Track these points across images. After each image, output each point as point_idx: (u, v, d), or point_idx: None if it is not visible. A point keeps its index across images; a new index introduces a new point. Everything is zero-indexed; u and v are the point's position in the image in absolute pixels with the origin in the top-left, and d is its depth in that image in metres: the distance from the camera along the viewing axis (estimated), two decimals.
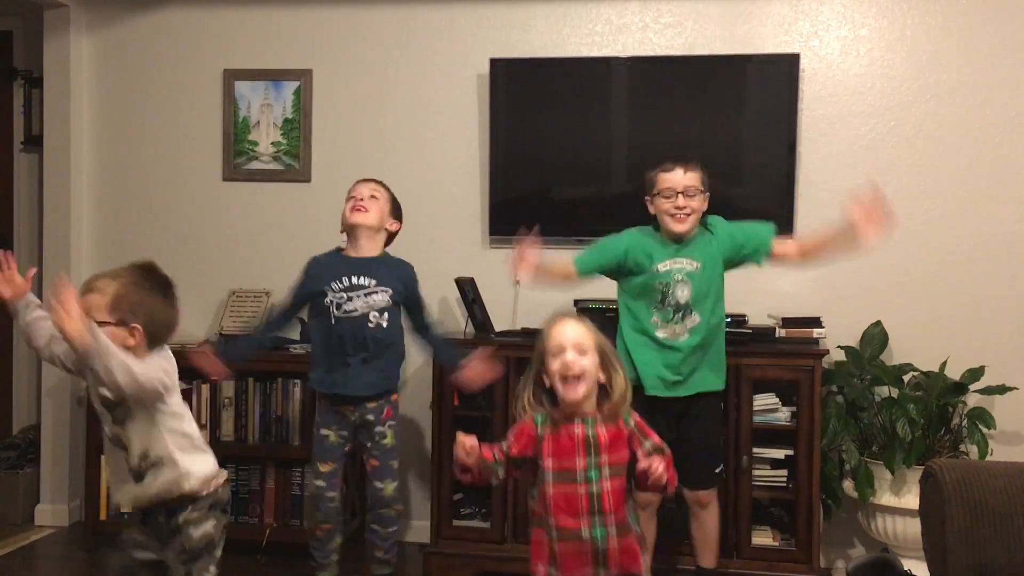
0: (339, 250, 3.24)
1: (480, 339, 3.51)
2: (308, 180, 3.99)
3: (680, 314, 2.94)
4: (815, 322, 3.44)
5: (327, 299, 3.11)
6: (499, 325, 3.68)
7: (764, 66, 3.66)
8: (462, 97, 3.87)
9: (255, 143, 4.02)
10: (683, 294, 2.93)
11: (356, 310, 3.10)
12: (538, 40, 3.82)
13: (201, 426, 3.74)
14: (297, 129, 3.99)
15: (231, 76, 4.02)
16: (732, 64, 3.68)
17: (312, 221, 3.95)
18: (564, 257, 3.16)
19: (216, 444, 3.71)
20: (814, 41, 3.67)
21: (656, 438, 2.20)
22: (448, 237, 3.85)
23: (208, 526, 2.32)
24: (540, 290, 3.77)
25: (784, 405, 3.32)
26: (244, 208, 4.05)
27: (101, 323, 2.14)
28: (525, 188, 3.82)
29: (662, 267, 2.96)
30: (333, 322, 3.11)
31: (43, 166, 4.13)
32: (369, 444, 3.17)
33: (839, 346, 3.49)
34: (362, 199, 3.16)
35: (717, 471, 3.07)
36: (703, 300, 2.94)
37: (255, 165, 4.03)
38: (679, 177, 2.92)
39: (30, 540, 3.87)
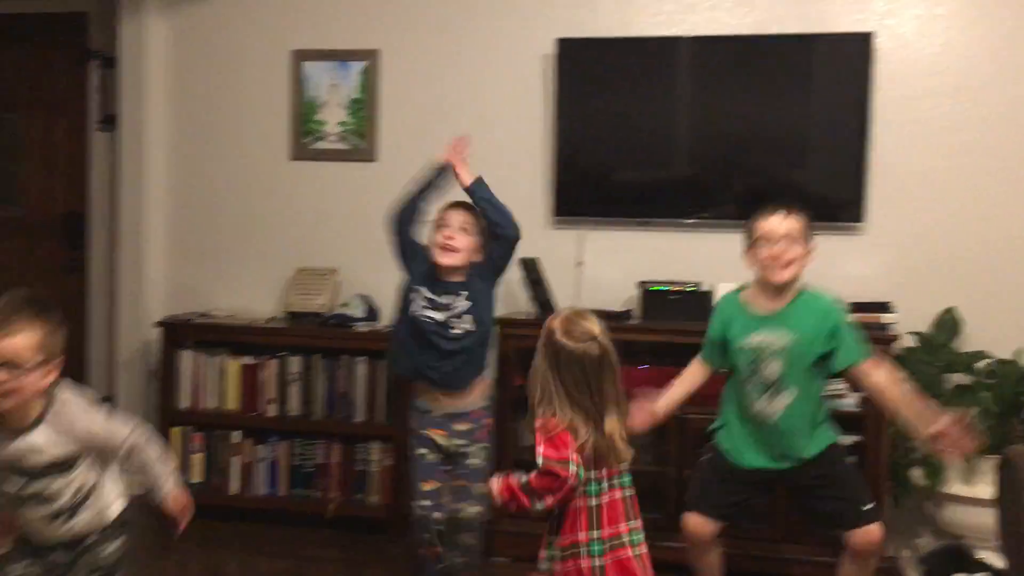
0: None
1: (543, 319, 3.51)
2: (374, 159, 4.03)
3: (771, 390, 2.68)
4: (884, 307, 3.38)
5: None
6: (563, 306, 3.68)
7: (835, 45, 3.58)
8: (528, 77, 3.87)
9: (322, 123, 4.07)
10: (772, 371, 2.67)
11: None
12: (605, 20, 3.79)
13: (269, 401, 3.83)
14: (364, 109, 4.02)
15: (299, 57, 4.06)
16: (801, 43, 3.61)
17: (378, 200, 3.92)
18: (688, 372, 2.86)
19: (283, 419, 3.80)
20: (889, 20, 3.58)
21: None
22: None
23: (118, 542, 2.28)
24: (602, 271, 3.78)
25: (852, 391, 3.26)
26: (311, 187, 4.10)
27: (31, 367, 2.01)
28: (590, 169, 3.80)
29: (752, 341, 2.70)
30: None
31: (117, 146, 4.23)
32: (455, 465, 3.04)
33: (910, 332, 3.43)
34: (452, 237, 2.95)
35: (867, 508, 2.69)
36: (795, 376, 2.66)
37: (322, 145, 4.07)
38: (777, 223, 2.67)
39: None
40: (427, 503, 2.98)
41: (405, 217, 3.05)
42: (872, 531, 2.66)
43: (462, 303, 2.98)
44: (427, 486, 2.99)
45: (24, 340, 2.00)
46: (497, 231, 2.96)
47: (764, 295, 2.72)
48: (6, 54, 4.59)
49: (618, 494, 2.17)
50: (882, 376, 2.67)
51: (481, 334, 3.02)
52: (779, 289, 2.69)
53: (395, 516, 3.68)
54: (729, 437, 2.78)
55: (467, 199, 3.02)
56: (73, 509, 2.18)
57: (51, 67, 4.54)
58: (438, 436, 3.02)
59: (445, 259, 2.96)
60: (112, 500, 2.28)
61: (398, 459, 3.68)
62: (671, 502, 3.32)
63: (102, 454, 2.21)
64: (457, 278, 3.00)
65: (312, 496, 3.79)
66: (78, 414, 2.14)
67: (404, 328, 3.05)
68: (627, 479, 2.20)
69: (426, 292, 2.99)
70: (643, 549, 2.19)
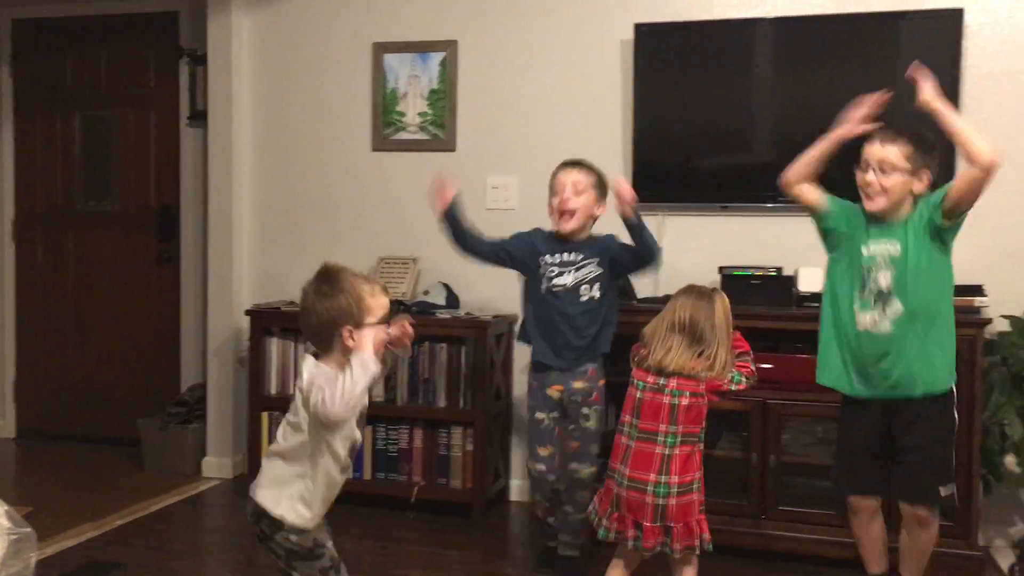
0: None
1: (623, 305, 3.52)
2: (453, 149, 4.08)
3: (881, 302, 2.64)
4: (977, 290, 3.28)
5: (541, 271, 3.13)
6: (642, 292, 3.68)
7: (923, 22, 3.49)
8: (606, 63, 3.87)
9: (402, 114, 4.14)
10: (884, 280, 2.64)
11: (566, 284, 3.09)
12: (683, 3, 3.77)
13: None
14: (443, 99, 4.07)
15: (380, 49, 4.14)
16: (887, 21, 3.53)
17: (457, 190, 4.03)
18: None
19: (369, 404, 3.87)
20: None
21: None
22: None
23: None
24: (683, 256, 3.76)
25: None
26: (392, 177, 4.17)
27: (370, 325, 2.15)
28: (668, 154, 3.78)
29: (866, 250, 2.68)
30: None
31: (206, 140, 4.37)
32: (572, 426, 3.14)
33: (1003, 315, 3.33)
34: (567, 198, 3.04)
35: (944, 493, 2.68)
36: (906, 287, 2.62)
37: (403, 135, 4.14)
38: (875, 149, 2.62)
39: (199, 490, 4.15)
40: (542, 467, 3.15)
41: (467, 244, 3.16)
42: (929, 516, 2.68)
43: (593, 268, 3.08)
44: (543, 451, 3.15)
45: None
46: (642, 254, 3.04)
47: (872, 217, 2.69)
48: (101, 53, 4.78)
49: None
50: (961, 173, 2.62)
51: (608, 303, 3.12)
52: (883, 215, 2.64)
53: (477, 499, 3.74)
54: (830, 369, 2.74)
55: (574, 157, 3.16)
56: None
57: (144, 65, 4.72)
58: (555, 392, 3.12)
59: (564, 225, 3.06)
60: None
61: (479, 443, 3.73)
62: (753, 488, 3.30)
63: None
64: (583, 238, 3.10)
65: (397, 480, 3.87)
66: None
67: (533, 314, 3.15)
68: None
69: (551, 259, 3.09)
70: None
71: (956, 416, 2.71)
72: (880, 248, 2.65)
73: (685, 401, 2.61)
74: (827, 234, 2.79)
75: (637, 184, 3.76)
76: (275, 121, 4.33)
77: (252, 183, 4.36)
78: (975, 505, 3.13)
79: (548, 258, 3.11)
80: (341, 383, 2.05)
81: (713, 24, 3.71)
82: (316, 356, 2.20)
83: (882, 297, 2.63)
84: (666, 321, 2.68)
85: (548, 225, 3.18)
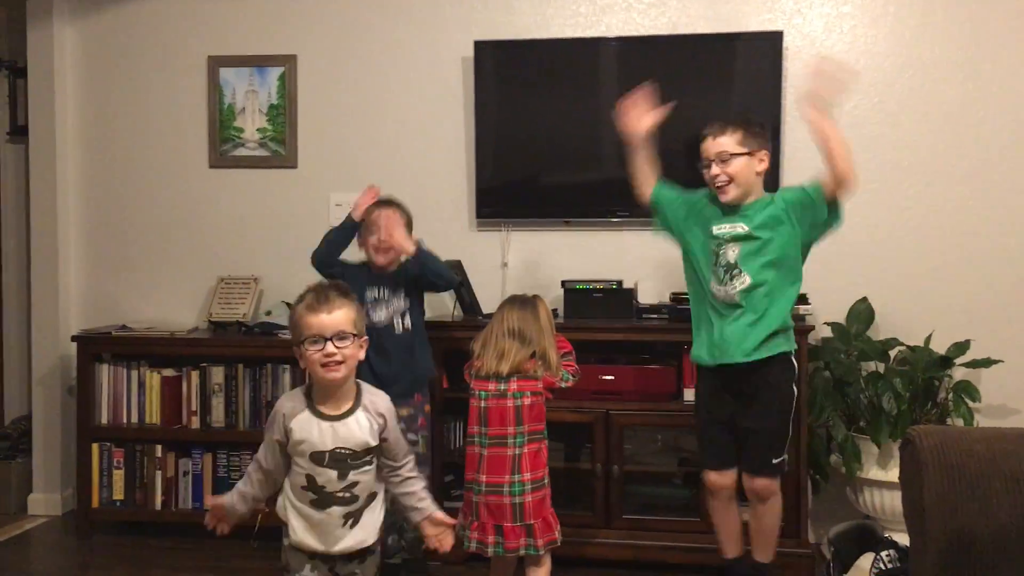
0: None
1: (469, 321, 3.52)
2: (295, 166, 3.99)
3: (729, 274, 2.75)
4: (801, 299, 3.44)
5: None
6: (487, 308, 3.68)
7: (749, 44, 3.66)
8: (447, 80, 3.87)
9: (241, 129, 4.02)
10: (732, 254, 2.75)
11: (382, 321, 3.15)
12: (522, 21, 3.82)
13: (191, 413, 3.76)
14: (283, 115, 3.98)
15: (216, 63, 4.01)
16: (719, 43, 3.68)
17: (299, 207, 3.96)
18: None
19: (207, 430, 3.74)
20: (797, 19, 3.68)
21: None
22: (435, 220, 3.83)
23: (377, 555, 2.31)
24: (526, 272, 3.81)
25: None
26: (231, 195, 4.04)
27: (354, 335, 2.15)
28: (511, 170, 3.81)
29: (716, 230, 2.79)
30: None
31: (28, 157, 4.12)
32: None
33: (826, 322, 3.51)
34: (387, 237, 3.11)
35: (775, 461, 2.81)
36: (752, 261, 2.73)
37: (241, 152, 4.02)
38: (709, 143, 2.76)
39: (24, 529, 3.88)
40: None
41: (328, 261, 3.20)
42: (769, 485, 2.82)
43: (400, 303, 3.17)
44: None
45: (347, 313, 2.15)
46: (436, 282, 3.17)
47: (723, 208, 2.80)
48: None
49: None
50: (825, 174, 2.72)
51: (420, 327, 3.22)
52: (738, 203, 2.75)
53: None
54: (695, 345, 2.87)
55: (389, 197, 3.23)
56: (359, 513, 2.21)
57: None
58: None
59: (381, 259, 3.15)
60: (380, 513, 2.28)
61: None
62: (597, 497, 3.35)
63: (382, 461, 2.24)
64: (392, 273, 3.18)
65: None
66: (383, 403, 2.22)
67: None
68: None
69: (368, 294, 3.14)
70: None
71: (796, 390, 2.84)
72: (730, 228, 2.76)
73: (528, 401, 2.77)
74: (669, 229, 2.92)
75: (480, 200, 3.81)
76: (104, 137, 4.12)
77: (80, 202, 4.14)
78: (804, 504, 3.28)
79: (367, 293, 3.15)
80: None
81: (552, 43, 3.78)
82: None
83: (731, 270, 2.75)
84: (495, 332, 2.84)
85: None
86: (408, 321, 3.18)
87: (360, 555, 2.23)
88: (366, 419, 2.17)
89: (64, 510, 4.05)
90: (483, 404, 2.80)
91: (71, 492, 4.01)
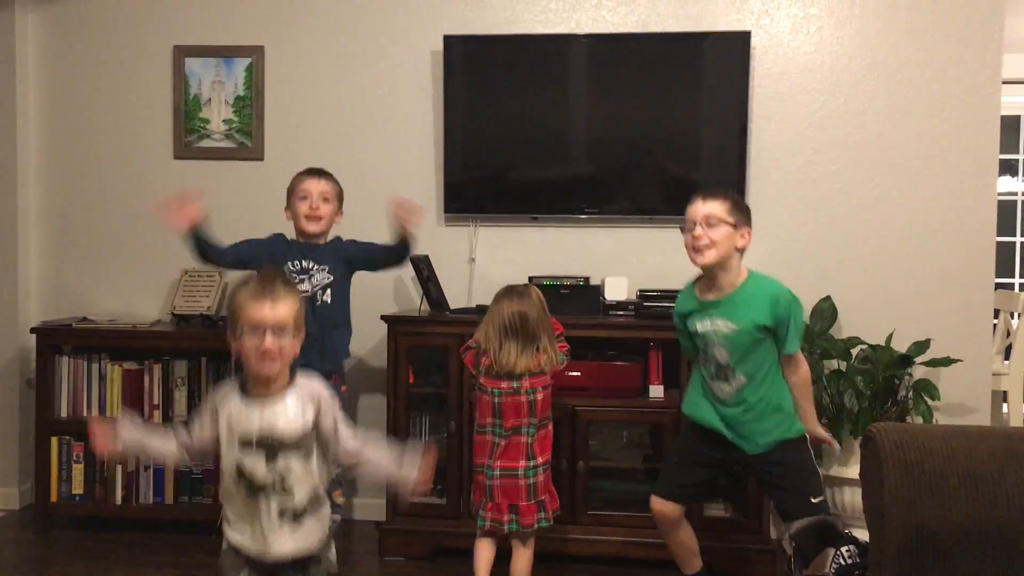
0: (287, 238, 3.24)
1: (435, 317, 3.51)
2: (261, 158, 3.96)
3: (723, 375, 2.74)
4: None
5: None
6: (454, 303, 3.68)
7: (717, 43, 3.68)
8: (416, 74, 3.86)
9: (207, 120, 3.97)
10: (722, 356, 2.73)
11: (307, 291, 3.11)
12: (492, 16, 3.81)
13: (153, 407, 3.72)
14: (249, 107, 3.94)
15: (181, 53, 3.96)
16: (688, 42, 3.69)
17: (265, 199, 3.89)
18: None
19: (169, 424, 3.69)
20: (765, 19, 3.71)
21: None
22: None
23: (332, 554, 2.23)
24: (494, 267, 3.81)
25: None
26: (196, 187, 3.95)
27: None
28: (479, 165, 3.81)
29: (701, 327, 2.76)
30: None
31: None
32: None
33: None
34: (316, 207, 3.14)
35: (815, 501, 2.78)
36: (745, 363, 2.72)
37: (207, 143, 3.98)
38: (698, 206, 2.71)
39: None
40: None
41: (210, 257, 3.14)
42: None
43: (324, 275, 3.15)
44: None
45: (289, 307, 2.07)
46: (399, 252, 3.18)
47: (705, 282, 2.78)
48: None
49: None
50: (799, 376, 2.77)
51: (339, 312, 3.20)
52: (713, 276, 2.74)
53: None
54: (691, 403, 2.87)
55: (317, 166, 3.26)
56: (302, 514, 2.08)
57: None
58: None
59: (311, 227, 3.15)
60: (326, 518, 2.17)
61: None
62: (564, 493, 3.36)
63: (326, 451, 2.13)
64: (319, 243, 3.19)
65: (201, 503, 3.69)
66: (318, 386, 2.13)
67: None
68: None
69: (291, 266, 3.13)
70: None
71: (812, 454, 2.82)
72: (713, 326, 2.73)
73: (540, 396, 2.95)
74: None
75: (448, 195, 3.80)
76: (67, 126, 4.06)
77: (41, 192, 4.07)
78: (767, 501, 3.31)
79: (289, 265, 3.13)
80: None
81: (522, 38, 3.77)
82: None
83: (723, 370, 2.74)
84: (496, 326, 2.93)
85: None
86: (329, 296, 3.14)
87: (302, 565, 2.10)
88: (297, 402, 2.07)
89: (22, 504, 3.99)
90: (497, 400, 2.93)
91: (29, 486, 3.95)
